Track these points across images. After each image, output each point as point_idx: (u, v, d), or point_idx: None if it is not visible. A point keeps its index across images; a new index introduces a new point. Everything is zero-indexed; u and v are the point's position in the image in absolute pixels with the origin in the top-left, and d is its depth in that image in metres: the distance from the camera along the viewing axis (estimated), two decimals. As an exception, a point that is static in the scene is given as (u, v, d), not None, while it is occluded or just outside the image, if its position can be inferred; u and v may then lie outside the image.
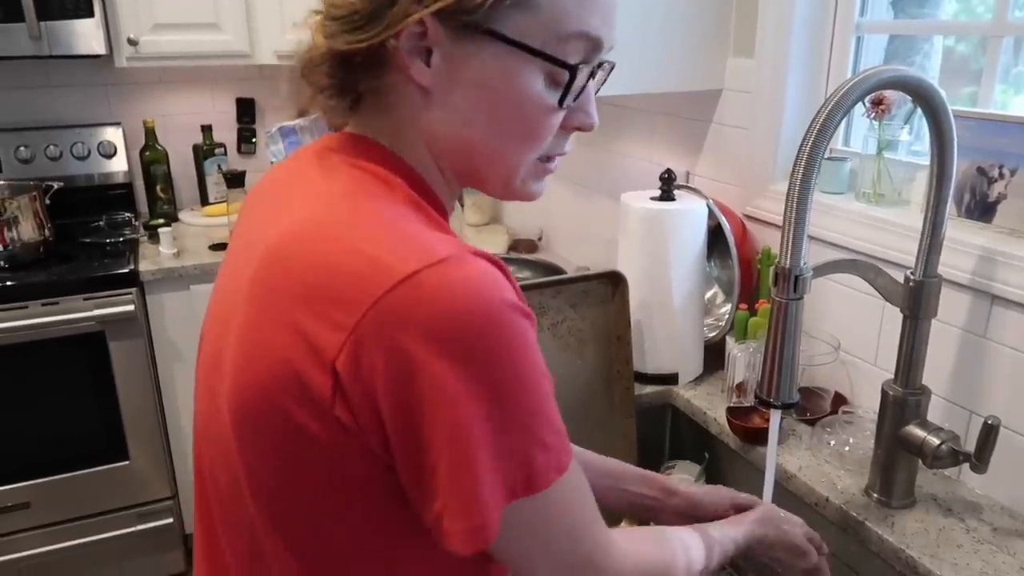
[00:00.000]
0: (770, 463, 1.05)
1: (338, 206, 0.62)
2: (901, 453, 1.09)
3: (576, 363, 1.39)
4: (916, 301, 1.05)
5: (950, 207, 1.03)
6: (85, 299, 2.10)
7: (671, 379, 1.48)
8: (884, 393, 1.10)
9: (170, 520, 2.36)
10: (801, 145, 0.91)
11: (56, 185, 2.31)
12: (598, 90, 0.71)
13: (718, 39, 1.56)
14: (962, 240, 1.14)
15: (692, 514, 0.99)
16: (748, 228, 1.56)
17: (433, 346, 0.54)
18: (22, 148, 2.47)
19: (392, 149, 0.67)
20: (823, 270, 1.03)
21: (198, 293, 2.24)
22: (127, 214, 2.54)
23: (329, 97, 0.67)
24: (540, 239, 2.39)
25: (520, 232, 2.47)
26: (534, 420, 0.59)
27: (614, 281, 1.39)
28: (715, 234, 1.50)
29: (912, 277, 1.05)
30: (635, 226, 1.42)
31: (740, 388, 1.36)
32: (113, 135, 2.59)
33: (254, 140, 2.83)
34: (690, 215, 1.40)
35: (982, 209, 1.17)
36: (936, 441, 1.05)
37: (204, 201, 2.71)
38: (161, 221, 2.49)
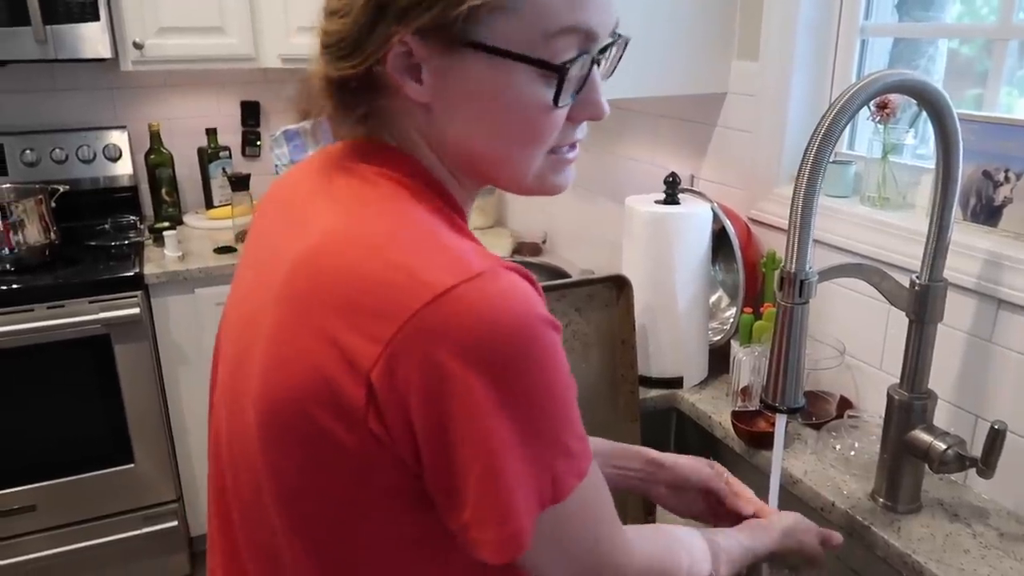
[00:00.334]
0: (775, 467, 1.05)
1: (369, 215, 0.63)
2: (907, 458, 1.09)
3: (580, 367, 1.38)
4: (922, 305, 1.05)
5: (956, 211, 1.03)
6: (90, 302, 2.10)
7: (676, 383, 1.48)
8: (890, 397, 1.10)
9: (175, 523, 2.36)
10: (806, 149, 0.91)
11: (62, 188, 2.32)
12: (613, 69, 0.70)
13: (722, 42, 1.56)
14: (968, 244, 1.14)
15: (682, 486, 1.02)
16: (753, 232, 1.56)
17: (468, 360, 0.55)
18: (28, 151, 2.48)
19: (411, 155, 0.68)
20: (828, 274, 1.03)
21: (203, 296, 2.24)
22: (132, 217, 2.54)
23: (335, 119, 0.69)
24: (544, 242, 2.39)
25: (524, 235, 2.47)
26: (561, 430, 0.60)
27: (618, 285, 1.39)
28: (719, 238, 1.50)
29: (918, 281, 1.05)
30: (639, 230, 1.42)
31: (745, 392, 1.35)
32: (118, 138, 2.59)
33: (259, 143, 2.84)
34: (694, 219, 1.40)
35: (988, 213, 1.17)
36: (942, 446, 1.04)
37: (209, 204, 2.71)
38: (166, 224, 2.50)
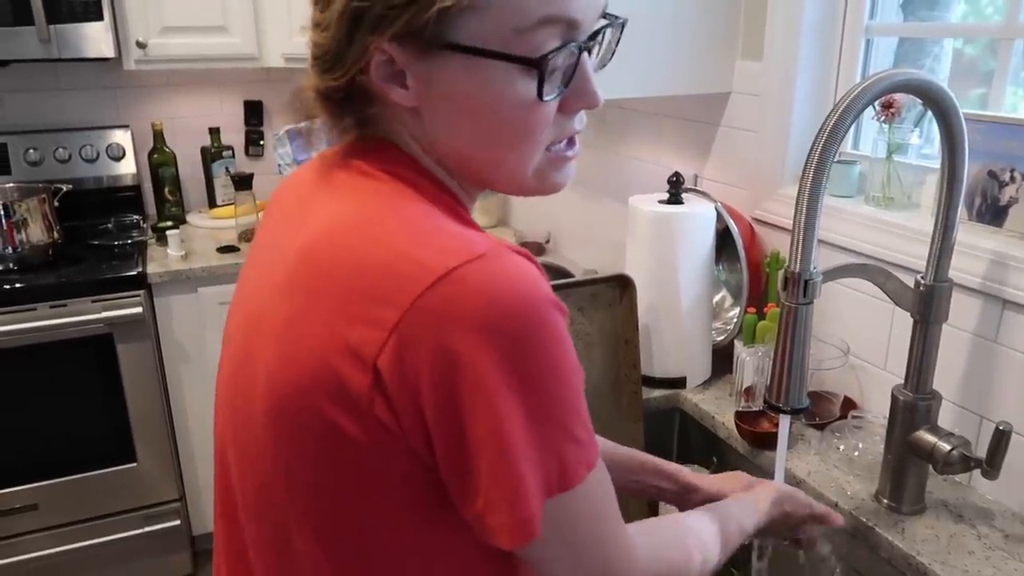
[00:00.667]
0: (779, 468, 1.05)
1: (369, 205, 0.63)
2: (911, 458, 1.09)
3: (584, 367, 1.38)
4: (926, 306, 1.05)
5: (961, 211, 1.02)
6: (93, 301, 2.10)
7: (679, 383, 1.48)
8: (894, 398, 1.10)
9: (177, 522, 2.36)
10: (811, 149, 0.91)
11: (65, 187, 2.32)
12: (612, 53, 0.69)
13: (726, 42, 1.55)
14: (973, 244, 1.14)
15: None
16: (756, 231, 1.55)
17: (474, 341, 0.54)
18: (31, 151, 2.48)
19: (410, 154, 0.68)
20: (833, 274, 1.03)
21: (206, 295, 2.24)
22: (135, 216, 2.55)
23: (329, 126, 0.69)
24: (547, 242, 2.38)
25: (527, 235, 2.47)
26: (568, 415, 0.60)
27: (622, 284, 1.39)
28: (723, 237, 1.50)
29: (922, 281, 1.05)
30: (643, 229, 1.42)
31: (749, 392, 1.35)
32: (121, 138, 2.59)
33: (262, 143, 2.84)
34: (698, 218, 1.40)
35: (993, 213, 1.16)
36: (947, 447, 1.04)
37: (212, 203, 2.72)
38: (169, 223, 2.50)
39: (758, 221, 1.56)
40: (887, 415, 1.12)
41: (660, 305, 1.43)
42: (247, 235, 2.38)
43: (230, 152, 2.71)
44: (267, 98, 2.81)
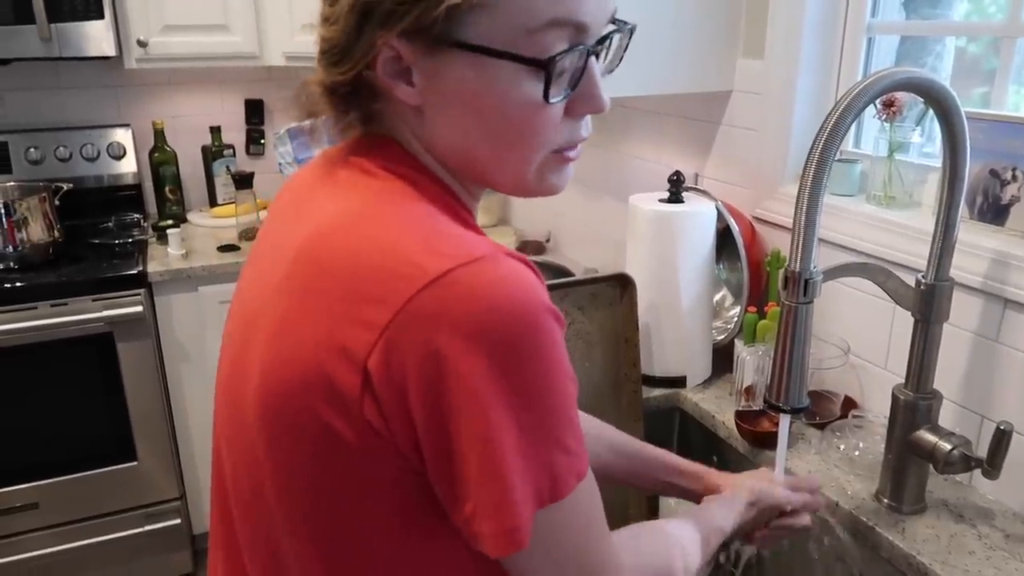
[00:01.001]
0: (779, 468, 1.04)
1: (367, 204, 0.63)
2: (912, 458, 1.08)
3: (584, 366, 1.38)
4: (927, 305, 1.04)
5: (962, 210, 1.02)
6: (94, 300, 2.10)
7: (679, 382, 1.47)
8: (895, 397, 1.10)
9: (178, 521, 2.36)
10: (812, 148, 0.90)
11: (65, 186, 2.32)
12: (620, 59, 0.69)
13: (728, 40, 1.55)
14: (974, 243, 1.13)
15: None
16: (757, 230, 1.55)
17: (465, 345, 0.54)
18: (32, 149, 2.48)
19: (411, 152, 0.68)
20: (833, 273, 1.03)
21: (206, 294, 2.24)
22: (136, 215, 2.55)
23: (334, 124, 0.69)
24: (548, 241, 2.38)
25: (528, 233, 2.46)
26: (559, 424, 0.59)
27: (622, 283, 1.39)
28: (724, 236, 1.49)
29: (923, 281, 1.04)
30: (643, 228, 1.42)
31: (749, 392, 1.35)
32: (122, 136, 2.59)
33: (263, 141, 2.84)
34: (699, 217, 1.39)
35: (995, 212, 1.16)
36: (947, 446, 1.04)
37: (213, 202, 2.72)
38: (170, 222, 2.50)
39: (759, 220, 1.55)
40: (888, 415, 1.11)
41: (660, 304, 1.43)
42: (248, 234, 2.38)
43: (231, 151, 2.71)
44: (268, 97, 2.81)
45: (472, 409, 0.55)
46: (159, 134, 2.60)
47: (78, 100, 2.59)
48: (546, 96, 0.62)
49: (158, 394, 2.24)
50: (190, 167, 2.71)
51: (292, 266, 0.62)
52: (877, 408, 1.31)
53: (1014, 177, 1.13)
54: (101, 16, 2.17)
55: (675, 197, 1.42)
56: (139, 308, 2.13)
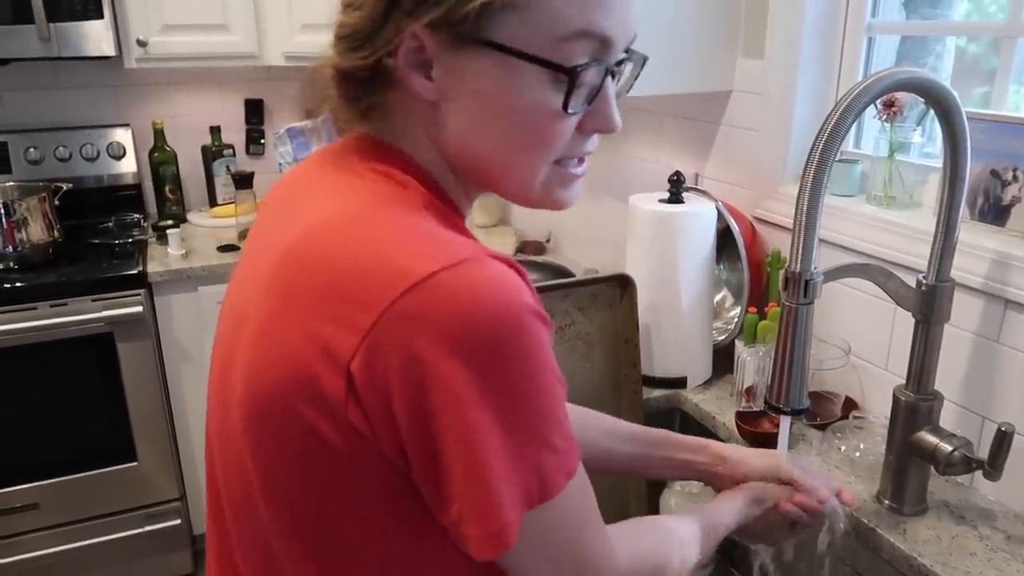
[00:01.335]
0: (780, 469, 1.04)
1: (354, 206, 0.62)
2: (913, 459, 1.08)
3: (584, 366, 1.38)
4: (928, 306, 1.04)
5: (963, 210, 1.02)
6: (93, 300, 2.10)
7: (679, 383, 1.47)
8: (896, 398, 1.09)
9: (178, 521, 2.36)
10: (812, 148, 0.90)
11: (65, 186, 2.32)
12: (630, 87, 0.69)
13: (728, 40, 1.55)
14: (975, 244, 1.13)
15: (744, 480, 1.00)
16: (757, 230, 1.55)
17: (449, 349, 0.53)
18: (31, 149, 2.48)
19: (408, 152, 0.68)
20: (834, 274, 1.02)
21: (206, 294, 2.24)
22: (136, 215, 2.55)
23: (340, 109, 0.68)
24: (548, 241, 2.38)
25: (528, 234, 2.46)
26: (546, 425, 0.59)
27: (622, 284, 1.38)
28: (724, 237, 1.49)
29: (924, 281, 1.04)
30: (643, 228, 1.41)
31: (749, 392, 1.34)
32: (122, 136, 2.59)
33: (263, 141, 2.83)
34: (699, 217, 1.39)
35: (995, 212, 1.16)
36: (949, 447, 1.03)
37: (212, 202, 2.71)
38: (170, 222, 2.50)
39: (759, 220, 1.55)
40: (888, 416, 1.11)
41: (661, 304, 1.43)
42: (247, 234, 2.37)
43: (231, 151, 2.71)
44: (268, 97, 2.80)
45: (454, 412, 0.54)
46: (159, 134, 2.60)
47: (78, 100, 2.58)
48: (565, 106, 0.62)
49: (158, 394, 2.24)
50: (190, 167, 2.71)
51: (279, 267, 0.62)
52: (878, 409, 1.30)
53: (1015, 177, 1.13)
54: (100, 16, 2.17)
55: (675, 197, 1.41)
56: (139, 308, 2.13)
